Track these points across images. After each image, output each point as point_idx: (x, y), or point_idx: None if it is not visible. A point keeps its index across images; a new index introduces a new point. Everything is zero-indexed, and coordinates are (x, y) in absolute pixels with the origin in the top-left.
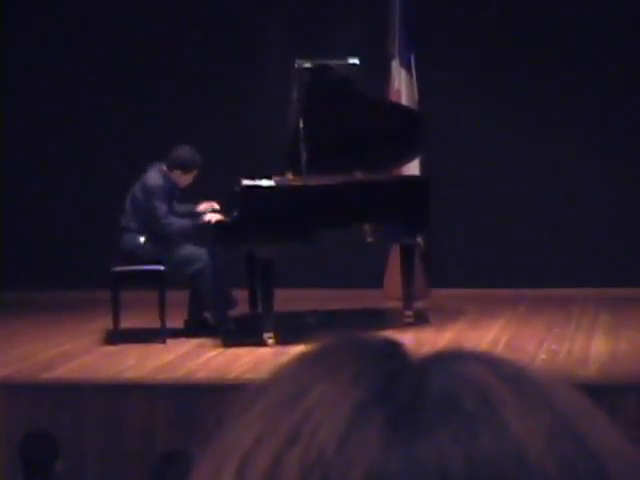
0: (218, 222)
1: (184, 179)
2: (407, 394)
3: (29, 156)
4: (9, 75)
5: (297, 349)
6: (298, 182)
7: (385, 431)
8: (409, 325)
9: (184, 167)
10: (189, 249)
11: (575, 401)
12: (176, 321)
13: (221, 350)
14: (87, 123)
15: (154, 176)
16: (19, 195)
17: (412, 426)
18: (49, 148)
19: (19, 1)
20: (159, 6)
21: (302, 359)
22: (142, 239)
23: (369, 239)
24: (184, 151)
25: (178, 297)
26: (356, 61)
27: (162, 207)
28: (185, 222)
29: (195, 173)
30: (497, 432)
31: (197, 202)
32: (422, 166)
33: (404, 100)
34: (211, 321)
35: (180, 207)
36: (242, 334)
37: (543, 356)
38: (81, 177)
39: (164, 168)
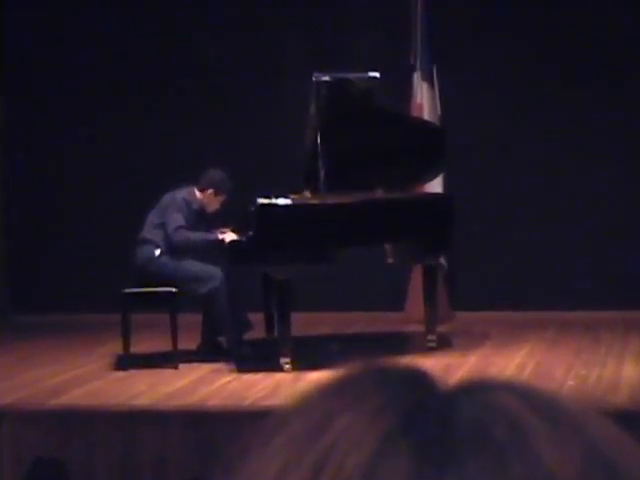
0: (233, 242)
1: (214, 201)
2: (435, 425)
3: (40, 177)
4: (20, 95)
5: (315, 375)
6: (316, 200)
7: (413, 463)
8: (432, 350)
9: (217, 187)
10: (203, 267)
11: (607, 430)
12: (189, 345)
13: (236, 376)
14: (100, 143)
15: (184, 192)
16: (29, 216)
17: (441, 458)
18: (61, 171)
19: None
20: (174, 20)
21: (326, 388)
22: (157, 252)
23: (390, 260)
24: (217, 174)
25: (191, 320)
26: (376, 74)
27: (178, 218)
28: (195, 235)
29: (224, 197)
30: (529, 463)
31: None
32: (445, 183)
33: (426, 114)
34: (225, 345)
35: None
36: (258, 359)
37: (572, 382)
38: (92, 197)
39: (195, 189)
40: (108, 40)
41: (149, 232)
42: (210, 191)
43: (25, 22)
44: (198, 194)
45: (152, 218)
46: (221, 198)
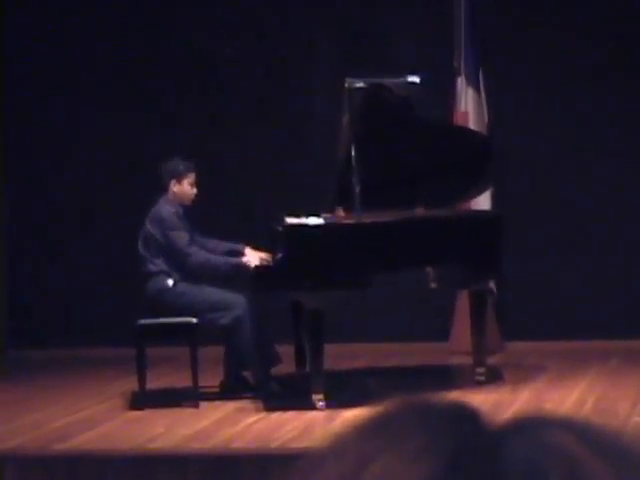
0: (259, 266)
1: (184, 189)
2: (482, 467)
3: (39, 201)
4: (14, 124)
5: (350, 413)
6: (350, 220)
7: None
8: (480, 384)
9: (173, 172)
10: (224, 294)
11: None
12: (211, 381)
13: (263, 415)
14: (105, 166)
15: (163, 205)
16: (27, 238)
17: None
18: (63, 193)
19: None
20: (192, 17)
21: (363, 427)
22: (170, 282)
23: (433, 285)
24: (166, 164)
25: (213, 353)
26: (416, 79)
27: (182, 235)
28: (216, 259)
29: (193, 178)
30: None
31: (237, 242)
32: (494, 199)
33: (472, 123)
34: (251, 381)
35: (211, 243)
36: (287, 396)
37: (637, 418)
38: (99, 216)
39: (166, 195)
40: (110, 41)
41: (152, 264)
42: (172, 182)
43: (25, 22)
44: (170, 196)
45: (145, 250)
46: (188, 181)
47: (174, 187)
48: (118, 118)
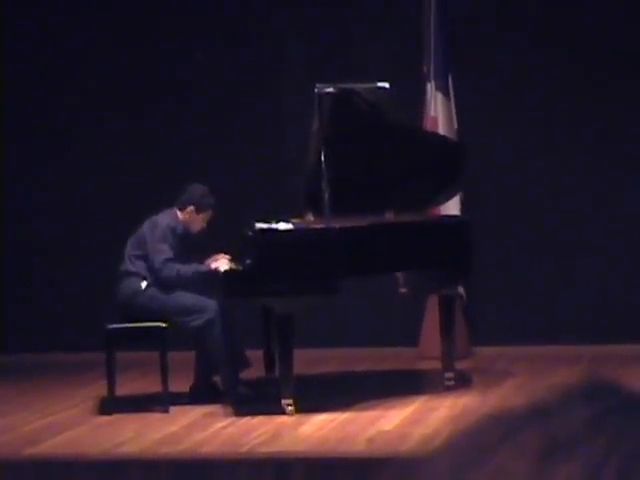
0: (228, 271)
1: (197, 220)
2: None
3: (16, 208)
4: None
5: (321, 418)
6: (320, 225)
7: None
8: (449, 389)
9: (198, 204)
10: (195, 298)
11: None
12: (180, 386)
13: (232, 420)
14: (85, 174)
15: (166, 217)
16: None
17: None
18: (40, 202)
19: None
20: (170, 30)
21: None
22: (143, 284)
23: (402, 290)
24: (197, 189)
25: (183, 358)
26: (385, 84)
27: (164, 249)
28: (186, 268)
29: (209, 215)
30: None
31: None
32: (463, 205)
33: (441, 128)
34: (220, 386)
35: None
36: (257, 401)
37: None
38: (73, 226)
39: (176, 211)
40: (98, 55)
41: (132, 264)
42: (190, 208)
43: (22, 33)
44: (180, 214)
45: (133, 249)
46: (204, 216)
47: (189, 212)
48: (101, 130)
